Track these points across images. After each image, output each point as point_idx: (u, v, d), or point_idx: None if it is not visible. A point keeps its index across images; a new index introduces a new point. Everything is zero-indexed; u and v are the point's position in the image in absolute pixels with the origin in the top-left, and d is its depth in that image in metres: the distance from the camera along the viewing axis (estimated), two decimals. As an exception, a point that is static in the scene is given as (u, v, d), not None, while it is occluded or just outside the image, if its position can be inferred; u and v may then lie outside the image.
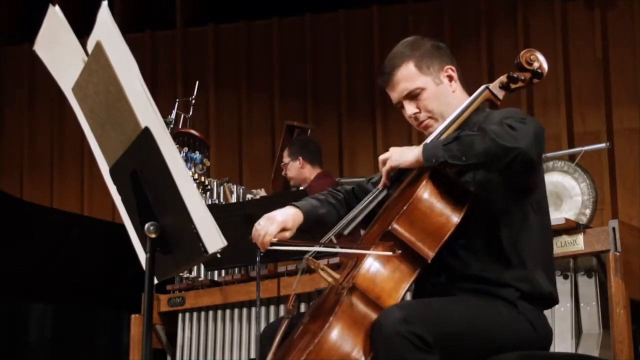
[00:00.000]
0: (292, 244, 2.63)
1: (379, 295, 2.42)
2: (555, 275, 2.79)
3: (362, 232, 2.88)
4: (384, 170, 2.62)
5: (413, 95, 2.71)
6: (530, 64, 2.71)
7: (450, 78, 2.74)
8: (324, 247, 2.59)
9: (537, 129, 2.45)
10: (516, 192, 2.60)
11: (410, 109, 2.72)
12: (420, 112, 2.72)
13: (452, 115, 2.68)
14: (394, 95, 2.75)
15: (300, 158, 5.65)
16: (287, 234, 2.69)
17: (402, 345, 2.28)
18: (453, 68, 2.74)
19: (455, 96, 2.73)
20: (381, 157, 2.63)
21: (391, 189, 2.69)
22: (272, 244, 2.64)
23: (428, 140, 2.65)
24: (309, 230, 2.81)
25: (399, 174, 2.64)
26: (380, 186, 2.68)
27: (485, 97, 2.71)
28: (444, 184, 2.52)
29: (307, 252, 2.61)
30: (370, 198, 2.68)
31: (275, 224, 2.67)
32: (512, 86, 2.72)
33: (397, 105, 2.77)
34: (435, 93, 2.71)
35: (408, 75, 2.70)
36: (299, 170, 5.66)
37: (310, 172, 5.65)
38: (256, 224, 2.70)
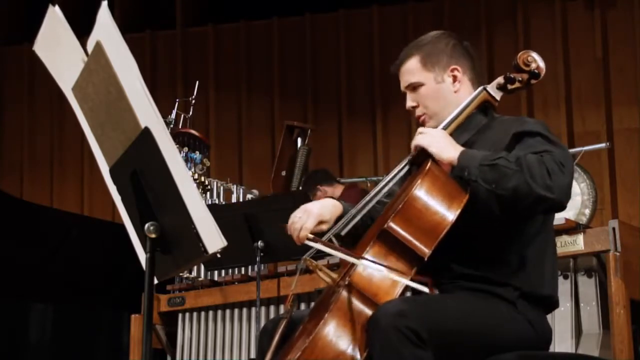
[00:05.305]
0: (332, 247, 2.55)
1: (376, 293, 2.42)
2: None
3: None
4: (413, 144, 2.63)
5: (413, 88, 2.75)
6: (528, 65, 2.70)
7: (455, 78, 2.74)
8: (361, 259, 2.46)
9: (572, 178, 2.47)
10: None
11: (409, 101, 2.77)
12: (418, 106, 2.75)
13: (449, 116, 2.69)
14: (401, 84, 2.81)
15: (318, 187, 5.77)
16: (324, 227, 2.66)
17: (397, 339, 2.28)
18: (458, 68, 2.74)
19: (456, 96, 2.73)
20: (420, 131, 2.63)
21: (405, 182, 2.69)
22: (309, 240, 2.59)
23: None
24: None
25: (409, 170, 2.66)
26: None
27: (483, 98, 2.71)
28: (439, 182, 2.52)
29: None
30: (374, 193, 2.68)
31: (312, 217, 2.64)
32: (510, 87, 2.71)
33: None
34: (433, 90, 2.73)
35: (411, 69, 2.75)
36: (326, 196, 5.75)
37: (335, 191, 5.80)
38: (292, 215, 2.67)
